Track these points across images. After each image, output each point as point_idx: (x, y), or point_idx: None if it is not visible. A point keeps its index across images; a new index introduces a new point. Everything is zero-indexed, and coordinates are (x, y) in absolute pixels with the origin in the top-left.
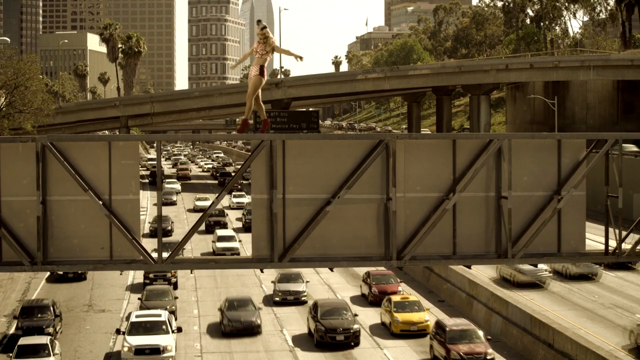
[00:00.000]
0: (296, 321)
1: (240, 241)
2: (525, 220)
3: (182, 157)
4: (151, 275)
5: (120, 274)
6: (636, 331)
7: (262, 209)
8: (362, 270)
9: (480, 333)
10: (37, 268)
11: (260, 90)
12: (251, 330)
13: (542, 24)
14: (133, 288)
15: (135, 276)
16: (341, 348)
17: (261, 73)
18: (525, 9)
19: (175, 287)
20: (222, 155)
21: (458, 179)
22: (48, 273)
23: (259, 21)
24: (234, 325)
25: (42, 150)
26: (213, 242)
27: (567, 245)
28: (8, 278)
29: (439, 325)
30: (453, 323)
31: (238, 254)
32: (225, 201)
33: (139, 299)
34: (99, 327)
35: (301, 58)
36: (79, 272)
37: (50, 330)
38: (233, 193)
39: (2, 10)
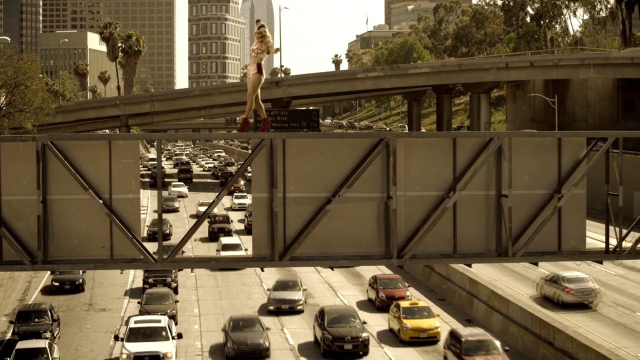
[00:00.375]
0: (299, 325)
1: (246, 250)
2: (525, 218)
3: (184, 157)
4: (151, 280)
5: (121, 273)
6: (541, 283)
7: (263, 208)
8: (363, 269)
9: (498, 343)
10: (37, 267)
11: (259, 89)
12: (259, 354)
13: (542, 22)
14: (132, 293)
15: (135, 281)
16: (349, 357)
17: (259, 71)
18: (525, 7)
19: (176, 291)
20: (223, 154)
21: (458, 177)
22: (43, 283)
23: (257, 21)
24: (239, 348)
25: (43, 150)
26: (217, 250)
27: (567, 243)
28: (9, 277)
29: (453, 335)
30: (469, 333)
31: None
32: (227, 202)
33: (138, 302)
34: (100, 326)
35: (276, 50)
36: (77, 283)
37: (48, 335)
38: (235, 194)
39: (2, 9)
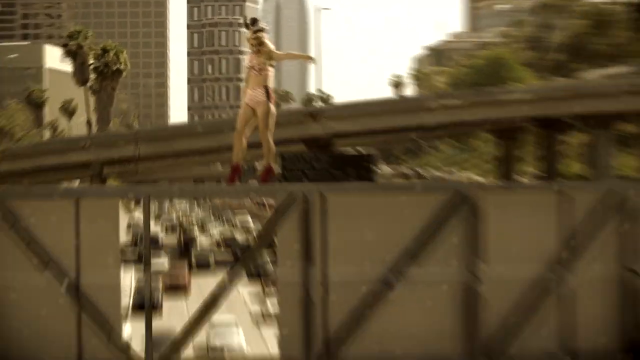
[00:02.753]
0: None
1: None
2: None
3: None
4: None
5: None
6: None
7: (293, 293)
8: None
9: None
10: None
11: (271, 120)
12: None
13: None
14: None
15: None
16: None
17: (269, 97)
18: None
19: None
20: (249, 219)
21: (572, 247)
22: None
23: (253, 20)
24: None
25: None
26: None
27: None
28: None
29: None
30: None
31: None
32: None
33: None
34: None
35: (312, 59)
36: None
37: None
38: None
39: None
